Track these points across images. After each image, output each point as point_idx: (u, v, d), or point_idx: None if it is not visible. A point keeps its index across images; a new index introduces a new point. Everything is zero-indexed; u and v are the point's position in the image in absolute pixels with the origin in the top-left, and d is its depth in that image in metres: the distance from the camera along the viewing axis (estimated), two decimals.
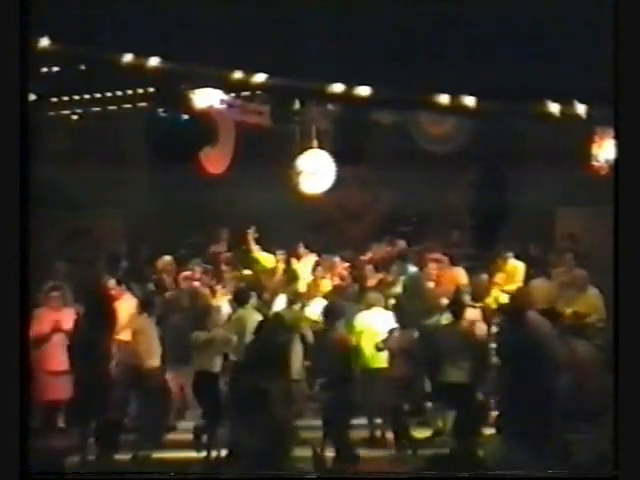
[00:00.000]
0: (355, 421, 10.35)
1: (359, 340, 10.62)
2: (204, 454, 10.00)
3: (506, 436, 9.10)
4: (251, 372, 9.51)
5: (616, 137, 6.75)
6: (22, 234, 6.38)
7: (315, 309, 11.11)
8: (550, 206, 14.39)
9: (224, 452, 9.95)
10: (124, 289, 11.30)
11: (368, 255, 13.20)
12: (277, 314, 10.55)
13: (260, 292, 11.52)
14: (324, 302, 11.11)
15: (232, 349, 10.43)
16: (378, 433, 10.56)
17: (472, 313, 10.65)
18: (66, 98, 11.10)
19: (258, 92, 10.56)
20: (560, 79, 10.36)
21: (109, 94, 10.99)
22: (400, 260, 12.99)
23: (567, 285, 11.58)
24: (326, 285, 12.13)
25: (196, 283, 11.92)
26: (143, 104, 10.78)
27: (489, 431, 9.73)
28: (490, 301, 11.52)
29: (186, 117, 9.84)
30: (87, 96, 11.14)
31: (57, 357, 10.50)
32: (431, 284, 11.88)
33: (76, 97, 11.10)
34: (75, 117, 11.90)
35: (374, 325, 10.62)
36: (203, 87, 9.84)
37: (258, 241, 13.23)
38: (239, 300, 10.82)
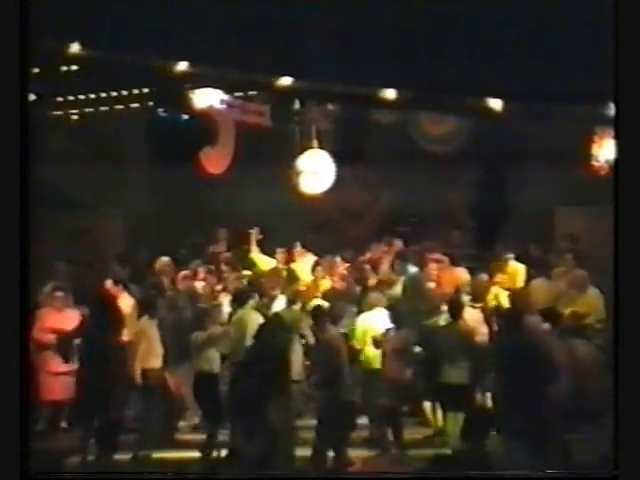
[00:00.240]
0: (354, 421, 10.37)
1: (359, 340, 10.63)
2: (204, 454, 10.00)
3: (506, 436, 9.09)
4: (251, 373, 9.51)
5: (616, 137, 6.74)
6: (22, 234, 6.38)
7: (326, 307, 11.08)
8: (550, 206, 14.39)
9: (224, 452, 9.95)
10: (121, 289, 11.29)
11: (368, 255, 13.18)
12: (277, 314, 10.54)
13: (260, 292, 11.50)
14: (324, 302, 11.11)
15: (231, 349, 10.43)
16: (377, 433, 10.55)
17: (472, 314, 10.64)
18: (66, 98, 11.10)
19: (258, 92, 10.57)
20: (560, 79, 10.35)
21: (109, 94, 11.00)
22: (400, 260, 12.98)
23: (567, 285, 11.58)
24: (326, 285, 12.13)
25: (194, 283, 11.92)
26: (143, 104, 10.78)
27: (489, 431, 9.72)
28: (490, 301, 11.51)
29: (186, 117, 9.84)
30: (87, 96, 11.15)
31: (59, 358, 10.50)
32: (432, 284, 11.88)
33: (76, 97, 11.10)
34: (75, 117, 11.90)
35: (374, 325, 10.61)
36: (203, 87, 9.83)
37: (259, 242, 13.22)
38: (239, 300, 10.81)
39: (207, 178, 12.17)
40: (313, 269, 12.53)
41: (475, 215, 14.79)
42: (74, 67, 9.72)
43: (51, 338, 10.58)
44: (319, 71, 9.69)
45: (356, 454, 10.00)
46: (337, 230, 15.71)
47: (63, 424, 10.71)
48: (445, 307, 10.61)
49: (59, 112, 11.39)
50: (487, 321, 10.69)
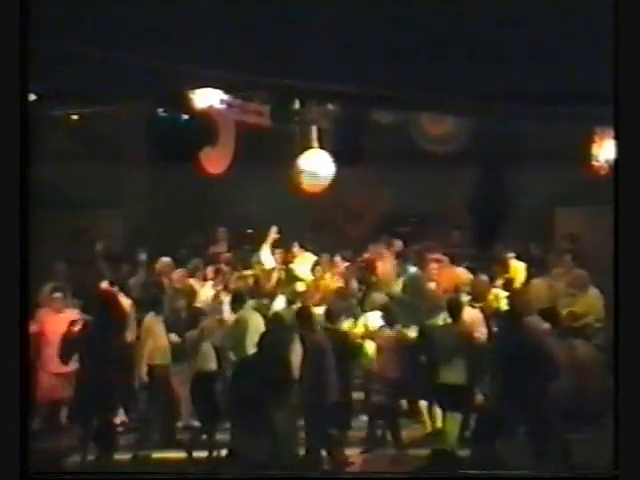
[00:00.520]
0: (354, 421, 10.39)
1: (359, 340, 10.64)
2: (204, 454, 10.00)
3: (505, 437, 9.09)
4: (251, 372, 9.51)
5: (616, 137, 6.74)
6: (22, 234, 6.38)
7: (314, 309, 11.09)
8: (550, 206, 14.39)
9: (224, 452, 9.95)
10: (118, 289, 11.27)
11: (366, 255, 13.18)
12: (276, 314, 10.54)
13: (260, 292, 11.51)
14: (323, 302, 11.12)
15: (231, 348, 10.43)
16: (376, 433, 10.56)
17: (472, 314, 10.64)
18: (66, 98, 11.09)
19: (258, 92, 10.57)
20: (560, 79, 10.35)
21: (109, 94, 10.99)
22: (400, 260, 12.99)
23: (567, 285, 11.58)
24: (326, 285, 12.13)
25: (190, 282, 11.90)
26: (143, 104, 10.77)
27: (488, 432, 9.72)
28: (490, 301, 11.51)
29: (186, 117, 9.84)
30: (87, 96, 11.13)
31: (58, 359, 10.50)
32: (432, 284, 11.88)
33: (76, 97, 11.09)
34: (75, 117, 11.90)
35: (375, 325, 10.62)
36: (203, 87, 9.84)
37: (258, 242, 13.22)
38: (238, 301, 10.81)
39: (207, 178, 12.17)
40: (313, 269, 12.53)
41: (475, 215, 14.78)
42: (74, 67, 9.71)
43: (50, 339, 10.56)
44: (319, 71, 9.69)
45: (354, 454, 10.01)
46: (337, 230, 15.72)
47: (63, 424, 10.70)
48: (444, 307, 10.61)
49: (59, 112, 11.38)
50: (486, 321, 10.69)
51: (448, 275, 12.15)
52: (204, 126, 10.23)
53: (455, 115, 11.44)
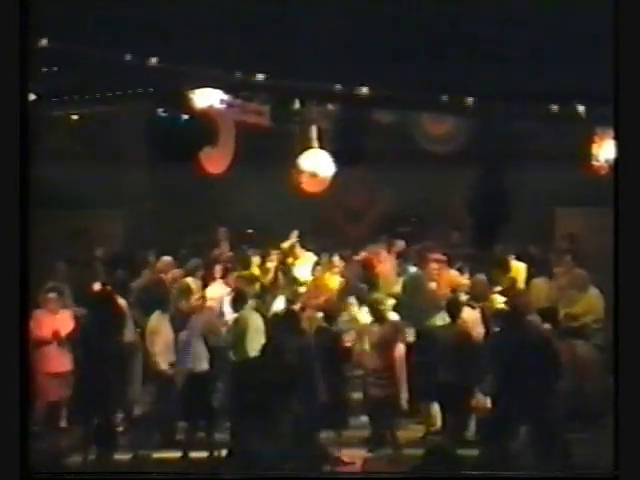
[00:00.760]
0: (353, 421, 10.40)
1: (359, 339, 10.64)
2: (204, 454, 10.00)
3: (505, 436, 9.09)
4: (251, 372, 9.52)
5: (616, 137, 6.75)
6: (22, 234, 6.38)
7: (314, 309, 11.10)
8: (550, 206, 14.40)
9: (224, 452, 9.96)
10: (117, 289, 11.25)
11: (364, 254, 13.18)
12: (276, 314, 10.53)
13: (259, 293, 11.51)
14: (323, 302, 11.11)
15: (230, 348, 10.43)
16: (375, 433, 10.56)
17: (471, 314, 10.64)
18: (66, 98, 11.09)
19: (258, 92, 10.57)
20: (560, 79, 10.35)
21: (109, 94, 10.98)
22: (400, 260, 13.00)
23: (567, 285, 11.58)
24: (326, 285, 12.13)
25: (187, 281, 11.89)
26: (143, 104, 10.77)
27: (488, 432, 9.73)
28: (490, 302, 11.51)
29: (186, 117, 9.85)
30: (87, 96, 11.13)
31: (55, 359, 10.50)
32: (433, 284, 11.88)
33: (76, 97, 11.09)
34: (75, 117, 11.90)
35: (374, 325, 10.61)
36: (203, 87, 9.84)
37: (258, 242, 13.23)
38: (238, 301, 10.81)
39: (207, 178, 12.17)
40: (313, 269, 12.53)
41: (475, 215, 14.79)
42: (74, 67, 9.72)
43: (45, 340, 10.54)
44: (319, 71, 9.69)
45: (354, 454, 10.01)
46: (337, 230, 15.73)
47: (63, 424, 10.70)
48: (443, 307, 10.62)
49: (59, 112, 11.39)
50: (486, 321, 10.70)
51: (447, 275, 12.16)
52: (204, 126, 10.23)
53: (455, 115, 11.44)
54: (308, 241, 13.48)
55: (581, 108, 8.62)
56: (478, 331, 10.41)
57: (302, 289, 11.92)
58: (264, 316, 10.51)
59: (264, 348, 9.64)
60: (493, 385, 9.32)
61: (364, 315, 10.85)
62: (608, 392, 6.70)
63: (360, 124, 11.33)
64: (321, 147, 11.65)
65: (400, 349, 10.20)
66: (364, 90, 9.01)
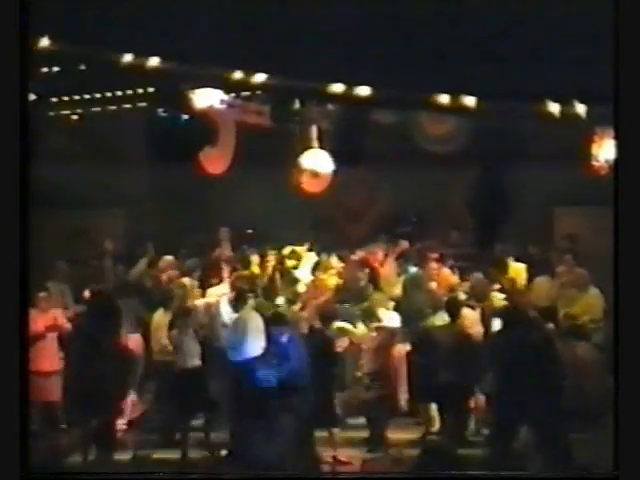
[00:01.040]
0: (352, 421, 10.40)
1: (359, 338, 10.63)
2: (204, 454, 10.00)
3: (505, 436, 9.08)
4: (251, 372, 9.51)
5: (616, 137, 6.75)
6: (22, 234, 6.39)
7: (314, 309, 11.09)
8: (550, 206, 14.39)
9: (224, 452, 9.95)
10: (119, 288, 11.24)
11: (363, 254, 13.16)
12: (276, 314, 10.52)
13: (259, 292, 11.49)
14: (323, 302, 11.11)
15: (230, 348, 10.41)
16: (374, 433, 10.56)
17: (471, 314, 10.64)
18: (66, 98, 11.09)
19: (258, 92, 10.56)
20: (560, 79, 10.35)
21: (109, 94, 10.99)
22: (401, 260, 12.98)
23: (567, 285, 11.58)
24: (326, 285, 12.12)
25: (185, 280, 11.88)
26: (143, 104, 10.77)
27: (487, 432, 9.73)
28: (489, 301, 11.50)
29: (186, 117, 9.85)
30: (87, 96, 11.14)
31: (50, 358, 10.49)
32: (433, 284, 11.88)
33: (76, 97, 11.10)
34: (75, 117, 11.90)
35: (373, 324, 10.61)
36: (203, 87, 9.83)
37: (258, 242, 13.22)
38: (238, 301, 10.80)
39: (207, 178, 12.17)
40: (313, 269, 12.53)
41: (475, 215, 14.80)
42: (74, 67, 9.72)
43: (37, 338, 10.52)
44: (319, 71, 9.69)
45: (353, 454, 10.01)
46: (337, 230, 15.72)
47: (62, 424, 10.69)
48: (442, 307, 10.61)
49: (59, 112, 11.39)
50: (486, 321, 10.69)
51: (445, 275, 12.17)
52: (204, 126, 10.24)
53: (455, 115, 11.42)
54: (307, 241, 13.47)
55: (581, 108, 8.60)
56: (477, 331, 10.41)
57: (302, 289, 11.91)
58: (264, 316, 10.50)
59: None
60: (492, 385, 9.31)
61: (364, 315, 10.85)
62: (608, 392, 6.70)
63: (360, 124, 11.32)
64: (321, 147, 11.63)
65: (399, 349, 10.21)
66: (364, 90, 9.00)
